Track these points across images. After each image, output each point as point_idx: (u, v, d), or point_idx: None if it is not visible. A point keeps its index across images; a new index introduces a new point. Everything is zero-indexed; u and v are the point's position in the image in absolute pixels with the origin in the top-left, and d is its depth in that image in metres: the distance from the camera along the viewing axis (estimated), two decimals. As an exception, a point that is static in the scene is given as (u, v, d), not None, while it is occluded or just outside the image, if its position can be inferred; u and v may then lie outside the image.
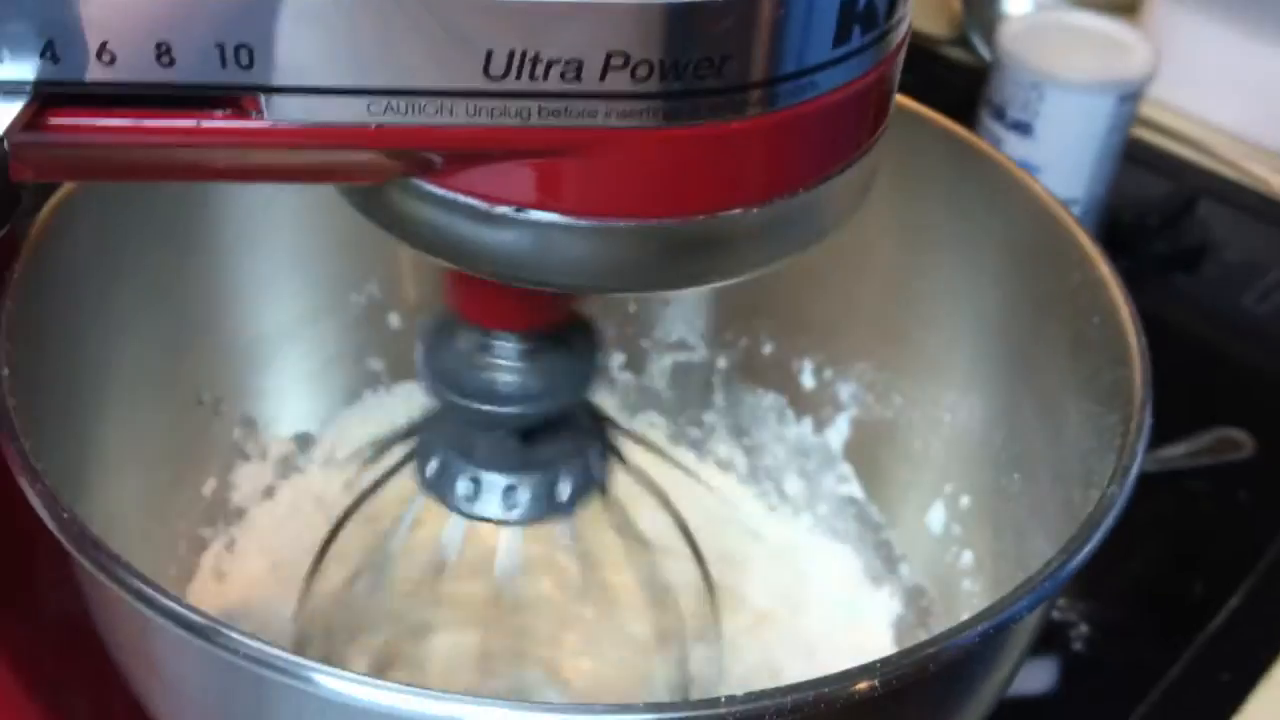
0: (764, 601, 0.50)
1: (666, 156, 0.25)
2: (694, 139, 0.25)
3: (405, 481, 0.36)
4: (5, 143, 0.22)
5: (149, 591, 0.26)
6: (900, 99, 0.30)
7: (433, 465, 0.34)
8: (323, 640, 0.42)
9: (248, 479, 0.49)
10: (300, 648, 0.42)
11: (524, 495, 0.33)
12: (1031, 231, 0.42)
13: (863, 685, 0.25)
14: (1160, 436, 0.59)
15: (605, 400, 0.53)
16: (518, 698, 0.43)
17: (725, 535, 0.51)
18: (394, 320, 0.52)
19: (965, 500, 0.47)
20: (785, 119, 0.26)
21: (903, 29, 0.28)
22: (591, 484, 0.34)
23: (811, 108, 0.26)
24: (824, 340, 0.52)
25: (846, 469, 0.53)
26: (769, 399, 0.54)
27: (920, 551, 0.50)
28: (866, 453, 0.52)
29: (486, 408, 0.32)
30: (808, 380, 0.53)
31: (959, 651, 0.26)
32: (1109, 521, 0.30)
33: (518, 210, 0.26)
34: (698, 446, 0.55)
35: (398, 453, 0.36)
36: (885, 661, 0.25)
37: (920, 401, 0.50)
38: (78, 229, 0.36)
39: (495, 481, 0.33)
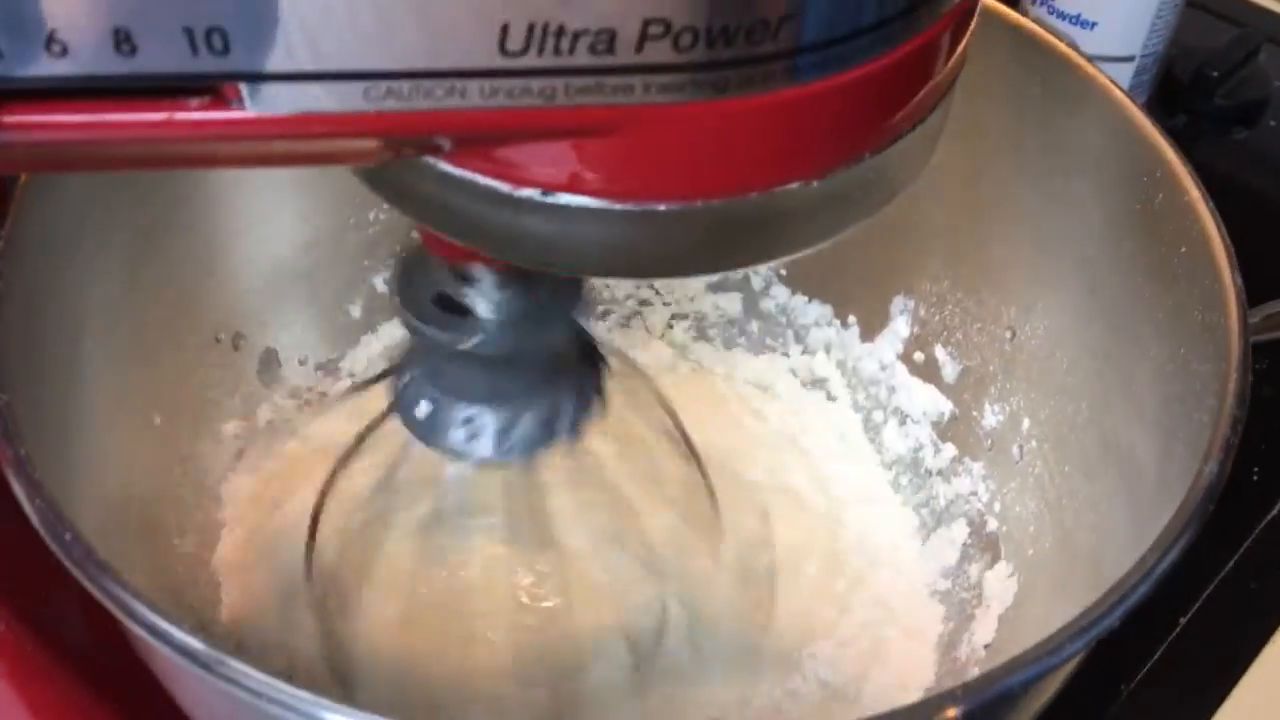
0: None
1: (714, 132, 0.22)
2: (745, 111, 0.22)
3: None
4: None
5: (157, 621, 0.24)
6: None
7: (422, 408, 0.32)
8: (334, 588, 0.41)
9: (273, 411, 0.47)
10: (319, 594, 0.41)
11: (520, 431, 0.31)
12: (1109, 141, 0.38)
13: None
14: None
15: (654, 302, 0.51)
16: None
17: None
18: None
19: (1026, 423, 0.45)
20: (853, 81, 0.22)
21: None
22: (589, 408, 0.32)
23: (883, 64, 0.22)
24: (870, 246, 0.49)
25: (897, 379, 0.50)
26: (815, 307, 0.52)
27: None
28: (919, 366, 0.50)
29: (461, 340, 0.29)
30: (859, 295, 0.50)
31: (1044, 669, 0.24)
32: (1205, 509, 0.27)
33: (544, 194, 0.23)
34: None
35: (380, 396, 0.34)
36: (967, 688, 0.23)
37: (979, 316, 0.46)
38: (66, 181, 0.33)
39: (488, 422, 0.31)
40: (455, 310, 0.30)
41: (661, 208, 0.23)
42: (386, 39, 0.20)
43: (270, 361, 0.47)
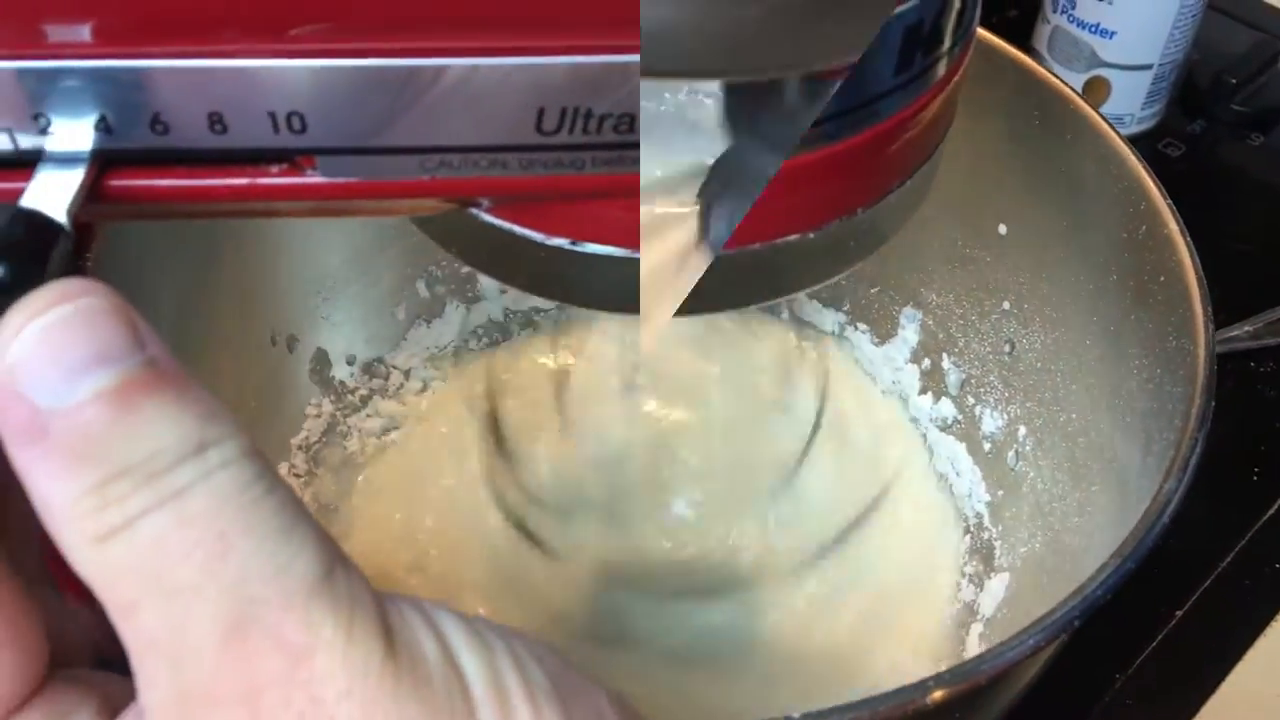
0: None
1: (721, 195, 0.25)
2: (749, 178, 0.25)
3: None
4: (70, 224, 0.22)
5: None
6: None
7: None
8: None
9: (324, 407, 0.51)
10: None
11: None
12: (1101, 174, 0.41)
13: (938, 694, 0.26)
14: (1226, 315, 0.58)
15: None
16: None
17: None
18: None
19: (1022, 430, 0.48)
20: (843, 150, 0.25)
21: (971, 34, 0.27)
22: None
23: (871, 135, 0.25)
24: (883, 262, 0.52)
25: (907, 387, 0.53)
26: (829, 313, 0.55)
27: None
28: (924, 377, 0.53)
29: None
30: (870, 304, 0.53)
31: (1019, 657, 0.27)
32: (1164, 520, 0.30)
33: (573, 243, 0.26)
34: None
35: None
36: (953, 673, 0.26)
37: (981, 330, 0.49)
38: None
39: None
40: None
41: (676, 257, 0.26)
42: (439, 124, 0.23)
43: (321, 361, 0.50)
